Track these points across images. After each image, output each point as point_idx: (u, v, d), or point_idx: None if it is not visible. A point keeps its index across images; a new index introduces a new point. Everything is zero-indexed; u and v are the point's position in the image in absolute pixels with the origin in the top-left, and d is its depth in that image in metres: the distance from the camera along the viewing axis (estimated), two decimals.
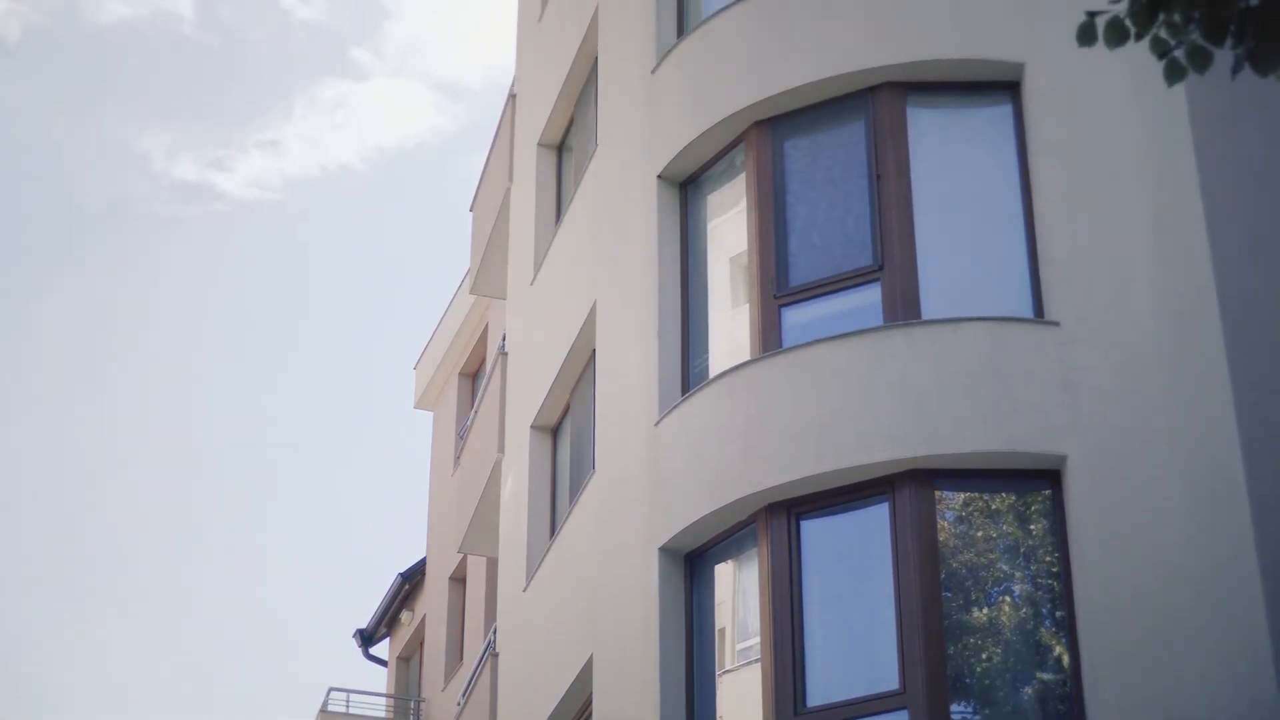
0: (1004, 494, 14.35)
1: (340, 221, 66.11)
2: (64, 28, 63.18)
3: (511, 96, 23.70)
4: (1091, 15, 7.41)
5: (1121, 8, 7.38)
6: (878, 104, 15.74)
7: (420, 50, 67.18)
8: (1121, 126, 14.87)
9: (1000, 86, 15.62)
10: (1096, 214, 14.67)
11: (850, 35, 16.00)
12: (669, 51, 17.39)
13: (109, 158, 64.15)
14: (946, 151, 15.64)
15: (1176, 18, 7.25)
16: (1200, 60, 7.23)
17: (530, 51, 22.81)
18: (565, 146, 21.36)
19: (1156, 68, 13.84)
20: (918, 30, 15.80)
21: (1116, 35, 7.34)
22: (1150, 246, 14.36)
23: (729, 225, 16.47)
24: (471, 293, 25.50)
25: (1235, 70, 7.25)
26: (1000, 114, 15.59)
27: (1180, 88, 14.26)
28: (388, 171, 67.95)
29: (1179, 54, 7.26)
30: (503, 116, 24.09)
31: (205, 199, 65.11)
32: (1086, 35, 7.42)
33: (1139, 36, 7.33)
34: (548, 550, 18.68)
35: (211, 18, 63.75)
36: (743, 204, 16.21)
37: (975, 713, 13.85)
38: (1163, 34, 7.29)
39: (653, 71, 17.54)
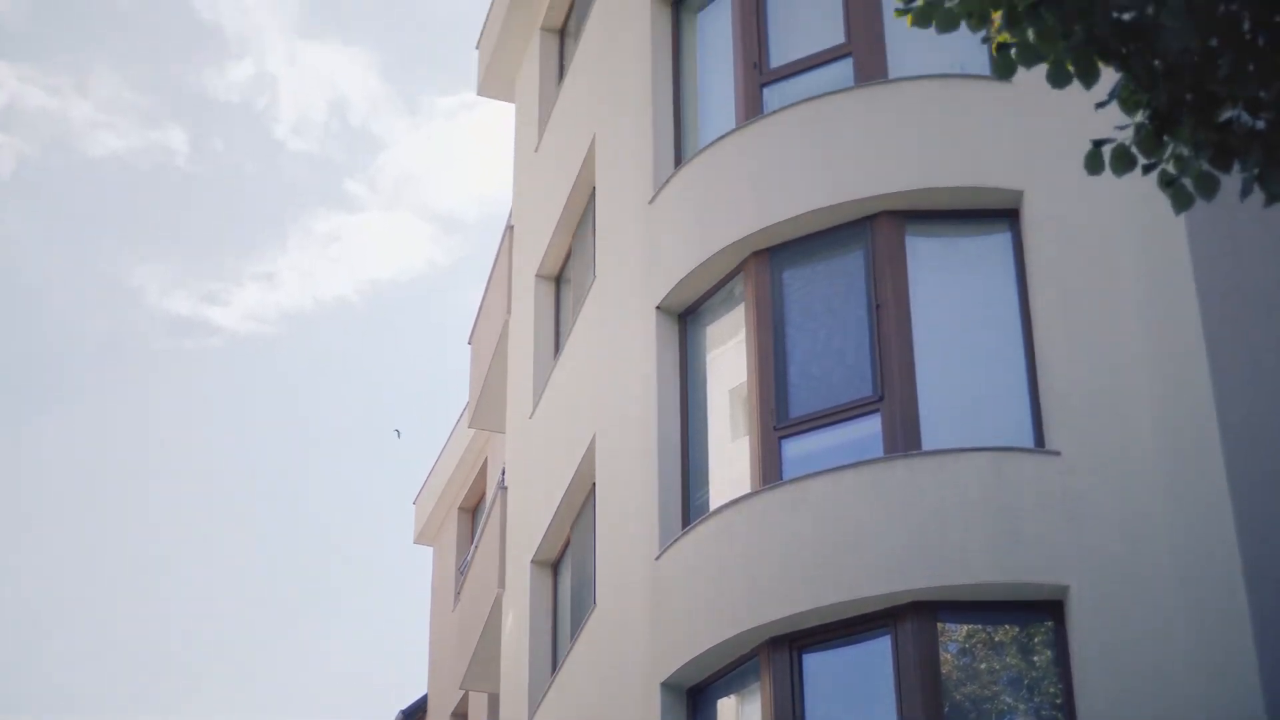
0: (1007, 625, 14.21)
1: (336, 355, 66.10)
2: (57, 160, 63.44)
3: (509, 228, 23.70)
4: (1098, 144, 7.39)
5: (1127, 135, 7.35)
6: (876, 232, 15.70)
7: (414, 182, 67.43)
8: (1120, 253, 14.83)
9: (999, 214, 15.59)
10: (1096, 342, 14.61)
11: (848, 163, 15.98)
12: (666, 181, 17.37)
13: (102, 292, 64.23)
14: (946, 280, 15.59)
15: (1184, 150, 7.23)
16: (1207, 186, 7.21)
17: (527, 182, 22.82)
18: (563, 278, 21.32)
19: (1155, 194, 13.83)
20: (916, 158, 15.79)
21: (1123, 163, 7.32)
22: (1150, 374, 14.28)
23: (728, 356, 16.39)
24: (470, 426, 25.40)
25: (1244, 193, 7.19)
26: (999, 241, 15.55)
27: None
28: (383, 304, 68.04)
29: (1186, 181, 7.23)
30: (500, 248, 24.08)
31: (200, 333, 65.14)
32: (1093, 164, 7.41)
33: (1146, 169, 7.30)
34: (549, 686, 18.50)
35: (204, 150, 64.03)
36: (742, 335, 16.14)
37: None
38: (1170, 169, 7.27)
39: (650, 201, 17.51)
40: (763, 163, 16.46)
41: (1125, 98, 7.31)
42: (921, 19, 7.76)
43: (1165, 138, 7.22)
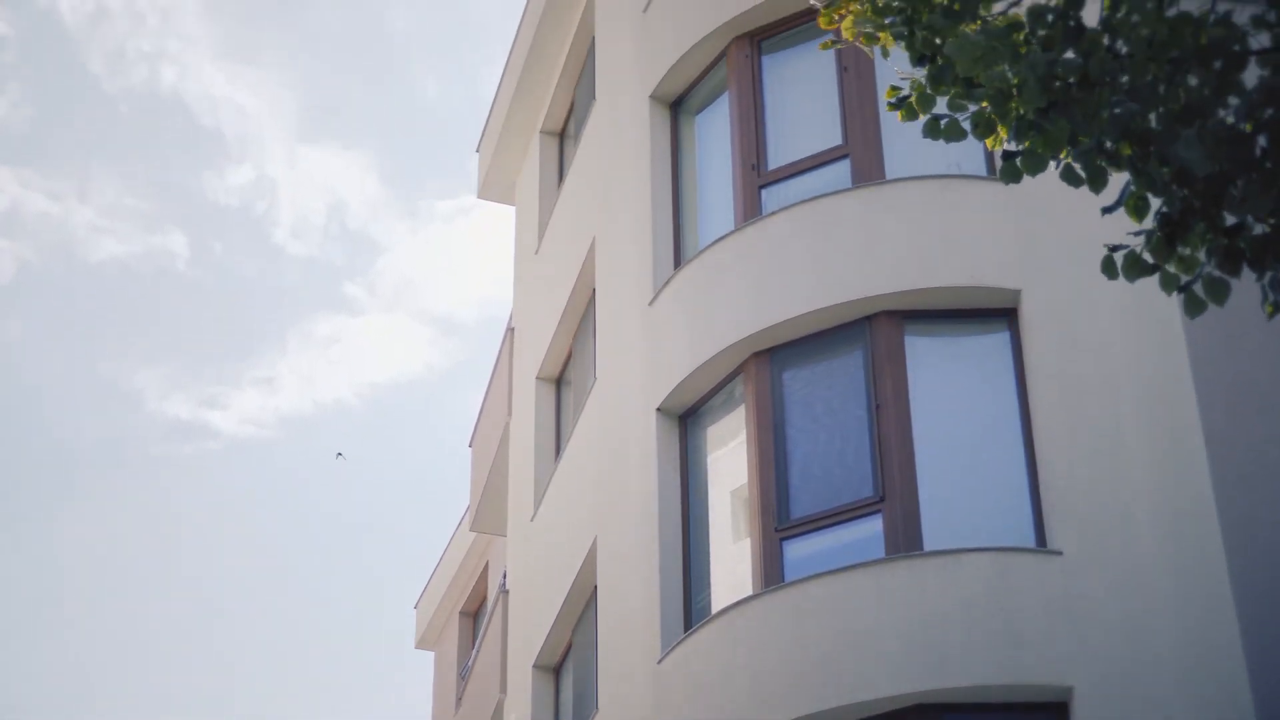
0: None
1: (335, 458, 65.89)
2: (58, 265, 63.54)
3: (509, 330, 23.72)
4: (1112, 250, 7.40)
5: (1139, 242, 7.36)
6: (875, 332, 15.69)
7: (413, 285, 67.52)
8: (1118, 350, 14.80)
9: (997, 313, 15.58)
10: (1096, 440, 14.55)
11: (846, 264, 15.99)
12: (666, 283, 17.38)
13: (102, 396, 64.18)
14: (945, 379, 15.57)
15: (1190, 251, 7.23)
16: (1218, 292, 7.20)
17: (527, 284, 22.85)
18: (564, 380, 21.31)
19: (1153, 293, 13.80)
20: (913, 258, 15.79)
21: (1135, 270, 7.33)
22: (1150, 472, 14.21)
23: (729, 458, 16.35)
24: (471, 530, 25.33)
25: (1266, 301, 7.17)
26: (998, 340, 15.54)
27: (1176, 308, 14.21)
28: (382, 407, 67.98)
29: (1197, 287, 7.23)
30: (501, 350, 24.10)
31: (199, 437, 65.06)
32: (1109, 269, 7.43)
33: (1152, 269, 7.31)
34: None
35: (205, 255, 64.13)
36: (742, 436, 16.10)
37: None
38: (1172, 268, 7.27)
39: (650, 303, 17.51)
40: (762, 264, 16.46)
41: (1131, 204, 7.33)
42: (930, 132, 7.78)
43: (1176, 243, 7.23)
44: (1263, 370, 14.59)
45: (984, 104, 7.44)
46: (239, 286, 64.88)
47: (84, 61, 61.09)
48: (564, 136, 23.14)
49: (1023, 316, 15.36)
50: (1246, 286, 7.92)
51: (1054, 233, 15.32)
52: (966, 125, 7.68)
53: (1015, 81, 7.26)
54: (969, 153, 16.06)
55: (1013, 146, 7.55)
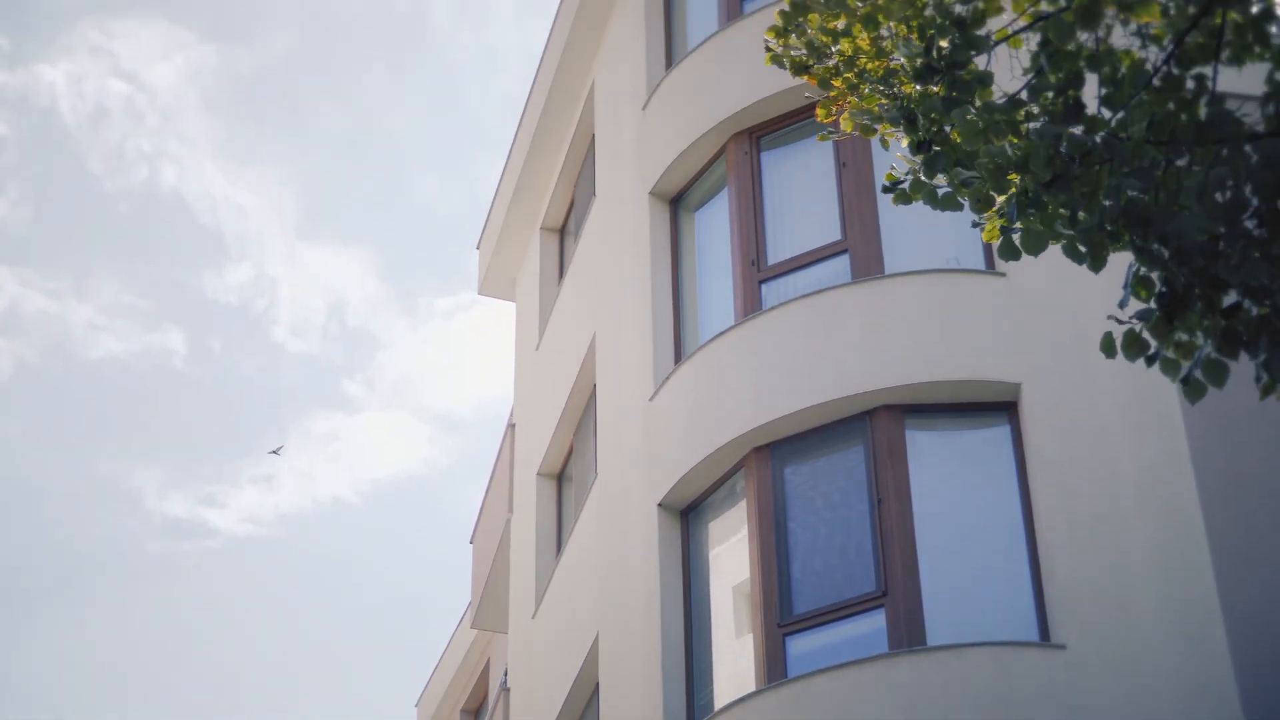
0: None
1: (335, 556, 65.79)
2: (56, 364, 63.59)
3: (510, 426, 23.70)
4: (1117, 321, 7.42)
5: (1138, 322, 7.37)
6: (876, 426, 15.67)
7: (413, 382, 67.53)
8: (1119, 442, 14.79)
9: (997, 407, 15.57)
10: (1097, 533, 14.52)
11: (847, 358, 15.99)
12: (666, 379, 17.38)
13: (100, 494, 64.10)
14: (946, 473, 15.54)
15: (1187, 337, 7.24)
16: (1218, 374, 7.21)
17: (528, 380, 22.85)
18: (565, 476, 21.27)
19: (1151, 384, 13.80)
20: (913, 352, 15.80)
21: (1135, 349, 7.34)
22: (1153, 564, 14.18)
23: (731, 553, 16.30)
24: (472, 627, 25.22)
25: (1262, 387, 7.16)
26: (998, 434, 15.52)
27: (1175, 401, 14.22)
28: (382, 504, 67.86)
29: (1198, 372, 7.24)
30: (502, 446, 24.07)
31: (197, 535, 64.93)
32: (1108, 347, 7.45)
33: (1150, 361, 7.30)
34: None
35: (203, 352, 64.18)
36: (744, 531, 16.06)
37: None
38: (1170, 354, 7.29)
39: (651, 399, 17.51)
40: (762, 359, 16.46)
41: (1136, 286, 7.35)
42: (929, 200, 7.79)
43: (1175, 321, 7.24)
44: (1261, 457, 14.60)
45: (982, 176, 7.45)
46: (238, 385, 64.93)
47: (84, 161, 61.39)
48: (564, 233, 23.20)
49: (1023, 410, 15.35)
50: (1241, 374, 7.92)
51: (1053, 326, 15.33)
52: (964, 201, 7.70)
53: (1016, 156, 7.28)
54: (968, 247, 16.08)
55: (1004, 223, 7.57)
